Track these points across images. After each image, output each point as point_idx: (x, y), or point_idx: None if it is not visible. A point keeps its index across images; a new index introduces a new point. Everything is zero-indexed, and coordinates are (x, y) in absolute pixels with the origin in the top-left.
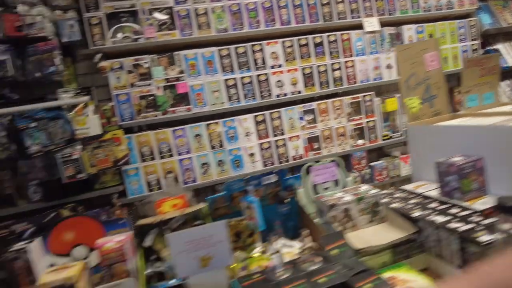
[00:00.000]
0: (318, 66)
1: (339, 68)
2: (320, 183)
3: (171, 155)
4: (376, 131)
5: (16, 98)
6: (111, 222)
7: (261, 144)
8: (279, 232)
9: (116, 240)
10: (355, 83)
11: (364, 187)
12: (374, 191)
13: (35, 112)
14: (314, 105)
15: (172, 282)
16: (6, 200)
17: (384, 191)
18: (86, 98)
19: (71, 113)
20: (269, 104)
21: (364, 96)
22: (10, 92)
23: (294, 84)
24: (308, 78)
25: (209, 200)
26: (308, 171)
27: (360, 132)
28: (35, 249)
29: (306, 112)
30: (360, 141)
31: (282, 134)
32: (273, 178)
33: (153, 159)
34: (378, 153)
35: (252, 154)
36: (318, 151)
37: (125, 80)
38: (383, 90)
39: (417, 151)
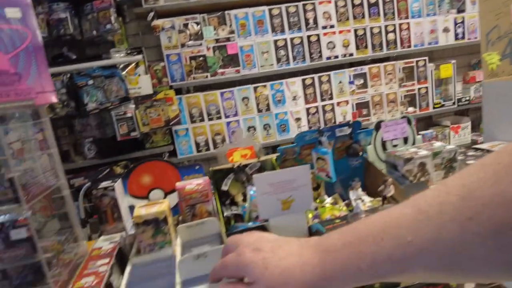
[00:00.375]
0: (372, 28)
1: (393, 31)
2: (390, 139)
3: (219, 117)
4: (427, 99)
5: (74, 58)
6: (186, 168)
7: (308, 108)
8: (340, 186)
9: (196, 183)
10: (409, 47)
11: (438, 143)
12: (451, 146)
13: (93, 70)
14: (365, 69)
15: (251, 224)
16: (63, 157)
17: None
18: (139, 56)
19: (123, 73)
20: (319, 66)
21: (417, 61)
22: (68, 51)
23: (346, 46)
24: (360, 40)
25: (279, 150)
26: (378, 127)
27: (411, 99)
28: (118, 188)
29: (356, 76)
30: (411, 109)
31: (331, 98)
32: (346, 130)
33: (202, 120)
34: (427, 122)
35: (298, 119)
36: (366, 118)
37: (176, 40)
38: (438, 55)
39: (492, 111)
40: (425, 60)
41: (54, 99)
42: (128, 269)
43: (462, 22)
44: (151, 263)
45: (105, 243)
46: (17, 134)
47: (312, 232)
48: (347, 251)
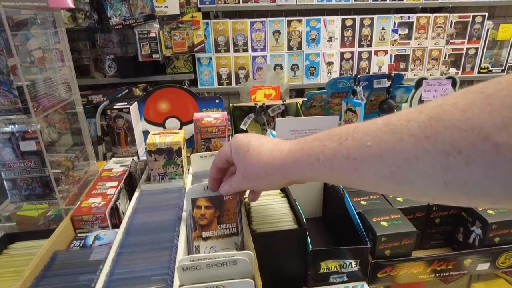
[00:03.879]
0: None
1: None
2: (428, 100)
3: (245, 50)
4: (474, 61)
5: None
6: (206, 100)
7: (343, 53)
8: None
9: (213, 117)
10: None
11: None
12: None
13: None
14: (413, 17)
15: None
16: (83, 71)
17: None
18: None
19: None
20: (363, 7)
21: (474, 16)
22: None
23: None
24: None
25: (307, 95)
26: (418, 84)
27: (455, 59)
28: (134, 111)
29: (401, 24)
30: (453, 70)
31: (369, 45)
32: (385, 83)
33: (227, 51)
34: (467, 87)
35: (330, 63)
36: (403, 72)
37: None
38: (500, 13)
39: None
40: (483, 16)
41: (70, 4)
42: (136, 195)
43: None
44: (159, 192)
45: (116, 165)
46: (38, 41)
47: (327, 186)
48: (313, 144)
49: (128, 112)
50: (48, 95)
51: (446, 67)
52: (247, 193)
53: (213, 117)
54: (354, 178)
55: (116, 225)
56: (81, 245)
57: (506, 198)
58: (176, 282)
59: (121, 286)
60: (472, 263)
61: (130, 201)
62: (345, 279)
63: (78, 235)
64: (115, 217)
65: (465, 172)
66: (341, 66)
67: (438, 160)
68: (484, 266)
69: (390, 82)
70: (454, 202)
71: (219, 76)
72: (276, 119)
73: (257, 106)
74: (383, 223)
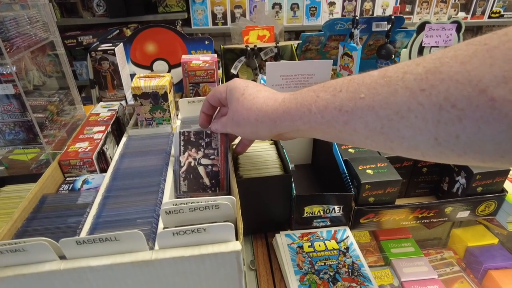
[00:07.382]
0: None
1: None
2: (429, 46)
3: None
4: (486, 4)
5: None
6: (195, 41)
7: None
8: None
9: (202, 60)
10: None
11: None
12: None
13: None
14: None
15: None
16: (70, 10)
17: None
18: None
19: None
20: None
21: None
22: None
23: None
24: None
25: (302, 37)
26: (421, 29)
27: (465, 2)
28: (119, 53)
29: None
30: (462, 14)
31: None
32: (385, 26)
33: None
34: (474, 33)
35: (332, 3)
36: (408, 16)
37: None
38: None
39: None
40: None
41: None
42: (123, 140)
43: None
44: (147, 137)
45: (104, 110)
46: None
47: None
48: (307, 95)
49: (114, 54)
50: (22, 34)
51: (455, 10)
52: (236, 140)
53: (201, 59)
54: (344, 132)
55: (104, 170)
56: (69, 188)
57: (496, 157)
58: (161, 225)
59: (108, 228)
60: (452, 211)
61: (118, 146)
62: (328, 223)
63: (67, 179)
64: (103, 161)
65: (457, 126)
66: (343, 7)
67: (431, 113)
68: (464, 214)
69: (390, 26)
70: (444, 159)
71: (214, 15)
72: (267, 63)
73: (249, 48)
74: (369, 171)
